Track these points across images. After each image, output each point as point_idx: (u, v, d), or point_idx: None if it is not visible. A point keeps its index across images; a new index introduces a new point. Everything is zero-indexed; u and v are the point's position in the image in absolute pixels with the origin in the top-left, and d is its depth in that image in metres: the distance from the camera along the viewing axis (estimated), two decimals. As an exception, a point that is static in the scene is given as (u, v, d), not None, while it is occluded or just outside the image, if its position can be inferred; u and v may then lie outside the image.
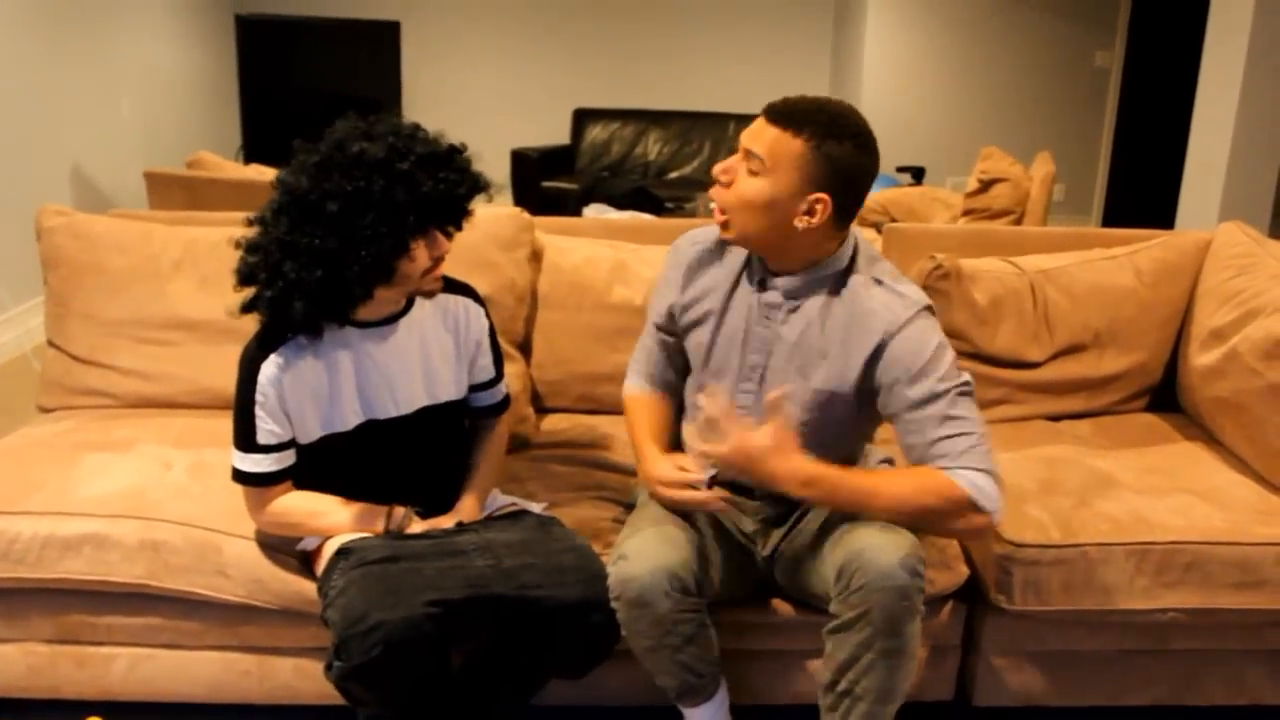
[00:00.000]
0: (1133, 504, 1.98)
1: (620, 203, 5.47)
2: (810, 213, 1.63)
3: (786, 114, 1.62)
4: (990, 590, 1.92)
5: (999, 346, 2.36)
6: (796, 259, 1.70)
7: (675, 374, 1.92)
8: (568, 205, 6.08)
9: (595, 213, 4.93)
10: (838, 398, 1.72)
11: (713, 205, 1.72)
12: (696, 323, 1.82)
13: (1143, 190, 6.97)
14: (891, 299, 1.68)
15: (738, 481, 1.85)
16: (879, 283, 1.70)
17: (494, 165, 7.52)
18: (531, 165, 6.42)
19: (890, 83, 6.86)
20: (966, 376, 1.65)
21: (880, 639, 1.57)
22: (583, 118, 6.91)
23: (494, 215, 2.31)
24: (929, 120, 6.96)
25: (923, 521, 1.63)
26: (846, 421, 1.75)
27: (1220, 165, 4.02)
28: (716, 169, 1.68)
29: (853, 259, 1.73)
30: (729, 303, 1.79)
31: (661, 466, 1.76)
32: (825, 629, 1.64)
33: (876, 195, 4.60)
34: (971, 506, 1.58)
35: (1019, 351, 2.37)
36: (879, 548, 1.57)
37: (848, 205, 1.65)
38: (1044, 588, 1.88)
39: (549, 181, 6.38)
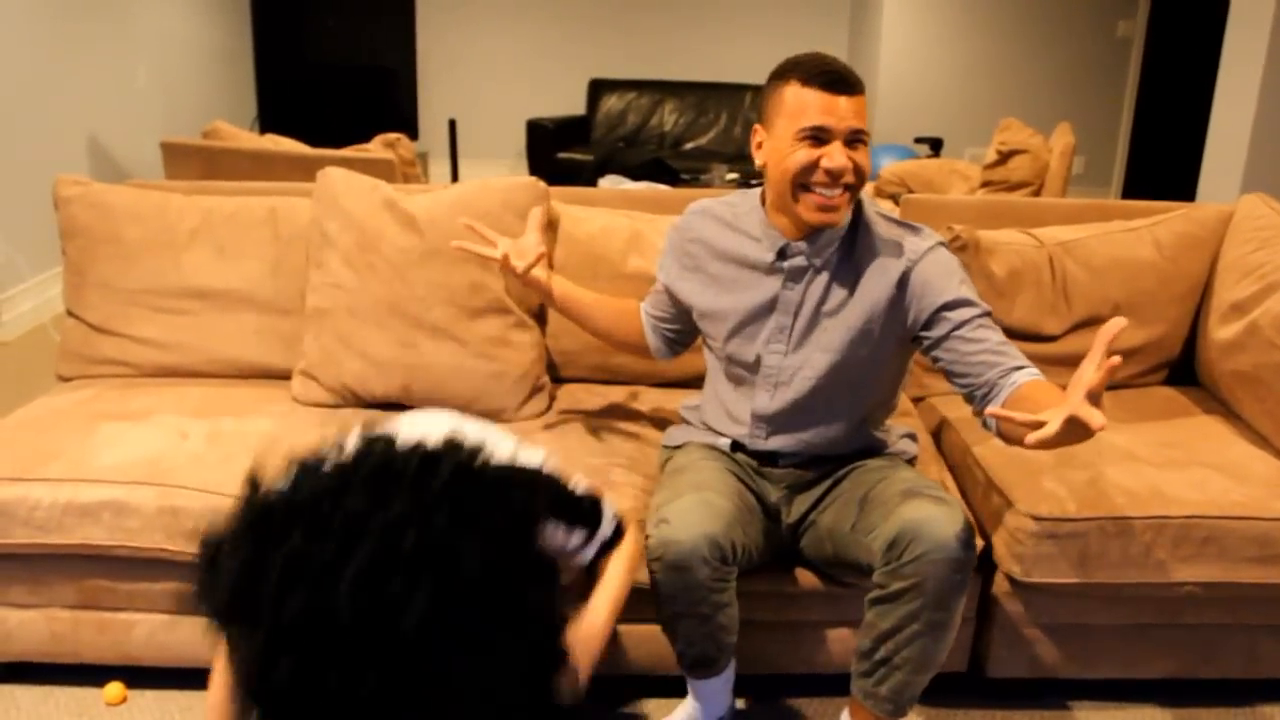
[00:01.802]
0: (1150, 477, 1.97)
1: (636, 174, 5.45)
2: (759, 146, 1.75)
3: None
4: (1006, 562, 1.92)
5: (1016, 319, 2.35)
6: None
7: (674, 315, 2.00)
8: (583, 176, 6.06)
9: (611, 184, 4.91)
10: (866, 335, 1.76)
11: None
12: (711, 298, 1.87)
13: (1164, 163, 6.90)
14: (908, 233, 1.76)
15: (762, 450, 1.87)
16: (892, 221, 1.79)
17: (509, 135, 7.50)
18: (547, 136, 6.40)
19: (908, 52, 6.79)
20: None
21: (929, 611, 1.57)
22: (598, 88, 6.88)
23: (510, 184, 2.31)
24: (947, 91, 6.90)
25: None
26: (875, 362, 1.78)
27: (1243, 137, 3.97)
28: None
29: (859, 205, 1.79)
30: (747, 274, 1.82)
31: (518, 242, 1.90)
32: (868, 598, 1.64)
33: (893, 167, 4.57)
34: None
35: (1036, 324, 2.36)
36: (937, 520, 1.57)
37: (767, 121, 1.73)
38: (1060, 561, 1.88)
39: (564, 152, 6.36)
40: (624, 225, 2.38)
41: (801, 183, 1.68)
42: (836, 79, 1.64)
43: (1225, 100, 4.09)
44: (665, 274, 1.95)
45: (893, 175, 4.49)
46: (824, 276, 1.77)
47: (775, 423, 1.85)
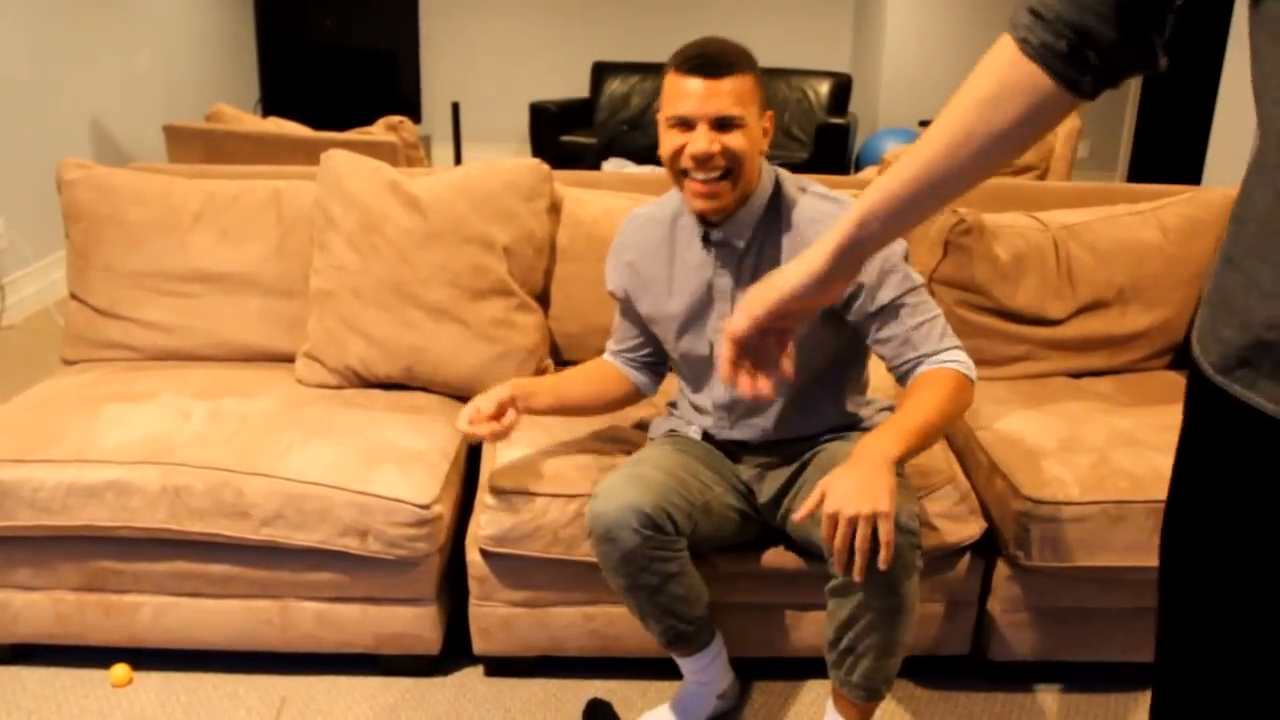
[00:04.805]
0: (1153, 461, 1.97)
1: (639, 157, 5.44)
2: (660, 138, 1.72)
3: None
4: (1008, 546, 1.92)
5: (1020, 303, 2.35)
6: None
7: (640, 333, 1.98)
8: (586, 160, 6.05)
9: (614, 167, 4.90)
10: None
11: None
12: (654, 301, 1.87)
13: (1169, 146, 6.87)
14: (831, 205, 1.73)
15: (731, 439, 1.89)
16: (816, 196, 1.75)
17: (512, 119, 7.48)
18: (550, 119, 6.38)
19: (912, 34, 6.76)
20: (919, 278, 1.72)
21: (878, 599, 1.57)
22: (601, 71, 6.85)
23: (514, 165, 2.30)
24: (952, 73, 6.87)
25: (956, 419, 1.67)
26: (817, 342, 1.77)
27: (1249, 120, 3.95)
28: None
29: (778, 183, 1.77)
30: (682, 270, 1.82)
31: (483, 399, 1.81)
32: (826, 587, 1.65)
33: (897, 150, 4.55)
34: (969, 383, 1.68)
35: (1040, 308, 2.35)
36: None
37: (666, 110, 1.68)
38: (1062, 544, 1.88)
39: (567, 135, 6.34)
40: (627, 208, 2.37)
41: (680, 169, 1.68)
42: (704, 63, 1.62)
43: (1232, 83, 4.07)
44: (614, 285, 1.94)
45: (896, 159, 4.47)
46: (751, 260, 1.76)
47: (736, 410, 1.85)
